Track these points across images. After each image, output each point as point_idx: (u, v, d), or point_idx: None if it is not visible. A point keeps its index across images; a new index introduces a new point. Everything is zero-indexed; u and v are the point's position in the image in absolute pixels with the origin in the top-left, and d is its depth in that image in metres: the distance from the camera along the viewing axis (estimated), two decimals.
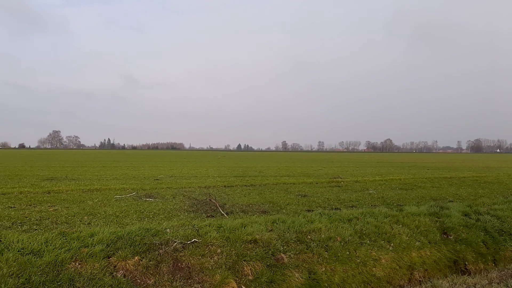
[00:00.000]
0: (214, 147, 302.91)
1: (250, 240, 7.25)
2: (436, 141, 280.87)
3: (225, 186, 16.50)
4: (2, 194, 12.76)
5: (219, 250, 6.87)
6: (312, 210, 10.50)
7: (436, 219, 9.86)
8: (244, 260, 6.75)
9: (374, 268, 7.65)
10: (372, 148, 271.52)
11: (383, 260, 7.90)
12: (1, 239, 6.30)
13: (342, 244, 7.84)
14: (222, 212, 9.87)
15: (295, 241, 7.61)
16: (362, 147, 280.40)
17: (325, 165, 39.86)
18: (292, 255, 7.18)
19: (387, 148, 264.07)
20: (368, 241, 8.21)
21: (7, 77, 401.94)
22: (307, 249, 7.43)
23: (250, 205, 11.32)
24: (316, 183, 18.60)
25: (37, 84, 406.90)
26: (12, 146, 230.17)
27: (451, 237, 9.24)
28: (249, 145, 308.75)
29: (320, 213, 9.39)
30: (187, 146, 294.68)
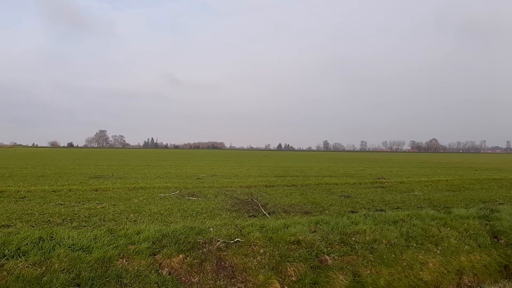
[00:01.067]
0: (255, 146, 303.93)
1: (293, 241, 7.19)
2: (484, 141, 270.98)
3: (266, 186, 16.48)
4: (53, 191, 13.26)
5: (262, 250, 6.85)
6: (356, 212, 10.31)
7: (486, 222, 9.47)
8: (287, 261, 6.71)
9: (421, 272, 7.43)
10: (417, 148, 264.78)
11: (430, 264, 7.65)
12: (53, 235, 6.53)
13: (388, 246, 7.65)
14: (264, 212, 9.85)
15: (339, 242, 7.49)
16: (406, 147, 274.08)
17: (368, 165, 39.18)
18: (336, 257, 7.07)
19: (432, 148, 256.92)
20: (415, 244, 7.97)
21: (58, 78, 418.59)
22: (351, 251, 7.30)
23: (292, 206, 11.25)
24: (360, 183, 18.29)
25: (85, 85, 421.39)
26: (61, 145, 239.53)
27: (502, 241, 8.85)
28: (290, 145, 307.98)
29: (364, 215, 9.21)
30: (227, 145, 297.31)
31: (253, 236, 7.12)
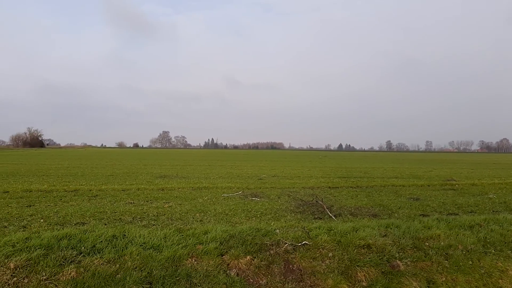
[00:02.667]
0: (314, 146, 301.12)
1: (363, 245, 6.95)
2: None
3: (329, 187, 16.18)
4: (122, 190, 13.76)
5: (330, 254, 6.67)
6: (427, 215, 9.85)
7: None
8: (357, 266, 6.48)
9: (500, 280, 6.92)
10: (487, 148, 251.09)
11: (510, 272, 7.12)
12: (126, 234, 6.72)
13: (464, 253, 7.21)
14: (330, 215, 9.64)
15: (411, 247, 7.14)
16: (475, 147, 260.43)
17: (435, 166, 37.56)
18: (408, 263, 6.75)
19: (503, 148, 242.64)
20: (493, 251, 7.46)
21: (125, 81, 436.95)
22: (424, 257, 6.93)
23: (359, 208, 10.94)
24: (428, 185, 17.51)
25: (150, 87, 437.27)
26: (127, 145, 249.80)
27: None
28: (351, 145, 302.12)
29: (437, 219, 8.77)
30: (286, 145, 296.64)
31: (321, 239, 6.96)
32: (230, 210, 10.10)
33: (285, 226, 7.66)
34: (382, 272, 6.45)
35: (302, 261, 6.41)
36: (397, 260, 6.68)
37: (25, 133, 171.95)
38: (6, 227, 7.73)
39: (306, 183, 17.45)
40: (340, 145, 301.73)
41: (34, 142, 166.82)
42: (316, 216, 9.61)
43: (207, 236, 6.79)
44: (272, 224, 8.07)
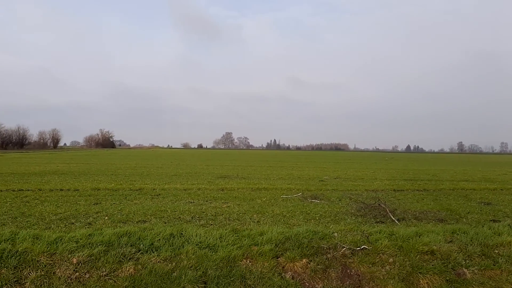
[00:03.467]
0: (381, 148, 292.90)
1: (427, 251, 6.57)
2: None
3: (394, 190, 15.60)
4: (184, 189, 14.05)
5: (391, 260, 6.37)
6: (498, 221, 9.19)
7: None
8: (420, 273, 6.13)
9: None
10: None
11: None
12: (183, 232, 6.80)
13: None
14: (393, 218, 9.24)
15: (479, 255, 6.67)
16: None
17: (510, 169, 35.22)
18: (475, 271, 6.29)
19: None
20: None
21: (192, 84, 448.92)
22: (493, 265, 6.44)
23: (424, 212, 10.41)
24: (501, 189, 16.41)
25: (215, 89, 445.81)
26: (192, 146, 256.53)
27: None
28: (419, 146, 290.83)
29: (509, 225, 8.16)
30: (351, 146, 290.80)
31: (381, 244, 6.67)
32: (288, 211, 9.98)
33: (343, 230, 7.43)
34: (447, 280, 6.06)
35: (360, 266, 6.17)
36: (463, 268, 6.25)
37: (98, 134, 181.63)
38: (73, 223, 8.09)
39: (370, 186, 16.95)
40: (408, 147, 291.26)
41: (105, 143, 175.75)
42: (378, 220, 9.26)
43: (262, 238, 6.72)
44: (330, 227, 7.87)
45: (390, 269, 6.17)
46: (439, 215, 10.03)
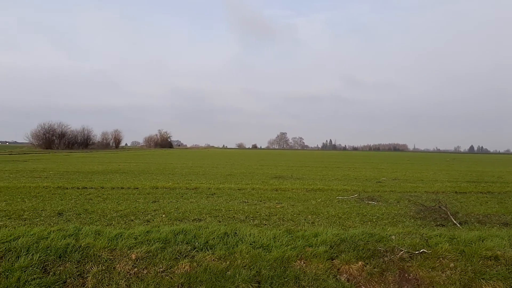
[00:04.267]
0: (442, 148, 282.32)
1: (490, 256, 6.22)
2: None
3: (456, 192, 14.93)
4: (238, 189, 14.17)
5: (451, 264, 6.09)
6: None
7: None
8: (482, 279, 5.81)
9: None
10: None
11: None
12: (237, 232, 6.85)
13: None
14: (454, 222, 8.84)
15: None
16: None
17: None
18: None
19: None
20: None
21: (246, 84, 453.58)
22: None
23: (488, 216, 9.89)
24: None
25: (269, 90, 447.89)
26: (246, 146, 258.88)
27: None
28: (483, 147, 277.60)
29: None
30: (410, 147, 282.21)
31: (441, 248, 6.39)
32: (343, 213, 9.80)
33: (401, 233, 7.20)
34: (511, 287, 5.71)
35: (419, 270, 5.94)
36: None
37: (156, 135, 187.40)
38: (132, 220, 8.36)
39: (430, 188, 16.33)
40: (472, 147, 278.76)
41: (164, 143, 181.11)
42: (438, 223, 8.89)
43: (317, 239, 6.64)
44: (388, 229, 7.64)
45: (451, 274, 5.90)
46: (504, 219, 9.50)
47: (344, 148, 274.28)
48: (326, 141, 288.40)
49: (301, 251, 6.24)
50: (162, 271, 5.72)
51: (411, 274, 5.94)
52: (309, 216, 9.24)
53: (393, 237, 6.86)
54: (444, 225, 8.63)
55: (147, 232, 6.75)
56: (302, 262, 6.04)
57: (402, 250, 6.26)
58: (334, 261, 6.12)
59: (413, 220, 9.14)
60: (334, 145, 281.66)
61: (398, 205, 11.30)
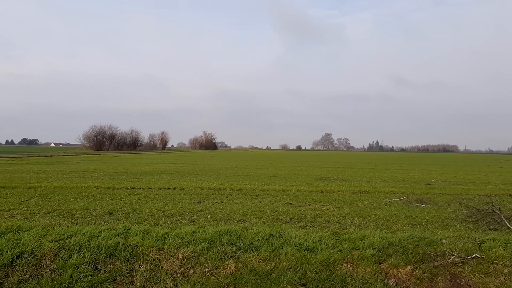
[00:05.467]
0: (494, 149, 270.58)
1: None
2: None
3: (510, 195, 14.27)
4: (282, 191, 14.14)
5: (506, 270, 5.82)
6: None
7: None
8: None
9: None
10: None
11: None
12: (282, 234, 6.83)
13: None
14: (509, 226, 8.43)
15: None
16: None
17: None
18: None
19: None
20: None
21: (290, 85, 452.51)
22: None
23: None
24: None
25: (314, 90, 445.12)
26: (290, 147, 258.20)
27: None
28: None
29: None
30: (461, 148, 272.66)
31: (495, 252, 6.13)
32: (391, 216, 9.56)
33: (452, 236, 6.95)
34: None
35: (471, 275, 5.71)
36: None
37: (201, 136, 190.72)
38: (179, 220, 8.50)
39: (482, 190, 15.67)
40: None
41: (208, 144, 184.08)
42: (491, 227, 8.51)
43: (364, 242, 6.51)
44: (438, 233, 7.41)
45: (505, 280, 5.64)
46: None
47: (391, 149, 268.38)
48: (373, 142, 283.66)
49: (348, 254, 6.14)
50: (208, 271, 5.78)
51: (463, 280, 5.72)
52: (356, 219, 9.08)
53: (443, 241, 6.64)
54: (497, 229, 8.25)
55: (193, 232, 6.84)
56: (349, 265, 5.94)
57: (454, 255, 6.05)
58: (382, 264, 5.99)
59: (464, 224, 8.80)
60: (381, 146, 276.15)
61: (449, 208, 10.91)
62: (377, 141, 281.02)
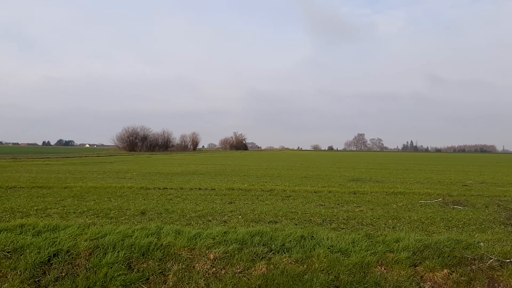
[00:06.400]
0: None
1: None
2: None
3: None
4: (314, 192, 14.01)
5: None
6: None
7: None
8: None
9: None
10: None
11: None
12: (314, 235, 6.76)
13: None
14: None
15: None
16: None
17: None
18: None
19: None
20: None
21: (321, 85, 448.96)
22: None
23: None
24: None
25: (345, 90, 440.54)
26: (322, 148, 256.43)
27: None
28: None
29: None
30: (499, 148, 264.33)
31: None
32: (426, 218, 9.32)
33: (490, 239, 6.73)
34: None
35: (510, 279, 5.50)
36: None
37: (232, 137, 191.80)
38: (210, 221, 8.53)
39: None
40: None
41: (239, 145, 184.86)
42: None
43: (398, 244, 6.37)
44: (475, 236, 7.18)
45: None
46: None
47: (426, 150, 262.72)
48: (407, 142, 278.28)
49: (382, 256, 6.01)
50: (239, 272, 5.77)
51: (501, 284, 5.52)
52: (390, 221, 8.89)
53: (481, 244, 6.43)
54: None
55: (224, 232, 6.85)
56: (383, 268, 5.82)
57: (492, 258, 5.84)
58: (417, 268, 5.84)
59: (503, 227, 8.49)
60: (415, 146, 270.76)
61: (487, 210, 10.56)
62: (411, 141, 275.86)
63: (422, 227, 8.35)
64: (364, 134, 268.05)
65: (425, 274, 5.72)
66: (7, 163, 32.46)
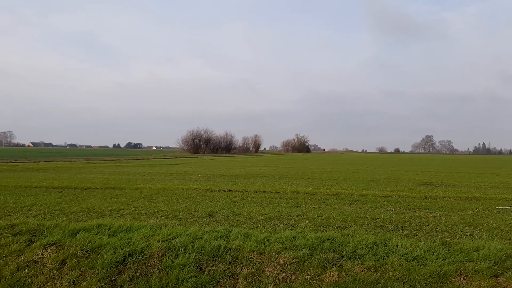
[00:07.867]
0: None
1: None
2: None
3: None
4: (383, 196, 13.57)
5: None
6: None
7: None
8: None
9: None
10: None
11: None
12: (386, 242, 6.51)
13: None
14: None
15: None
16: None
17: None
18: None
19: None
20: None
21: (387, 86, 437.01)
22: None
23: None
24: None
25: (412, 90, 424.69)
26: (388, 150, 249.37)
27: None
28: None
29: None
30: None
31: None
32: (506, 225, 8.72)
33: None
34: None
35: None
36: None
37: (294, 139, 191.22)
38: (277, 225, 8.47)
39: None
40: None
41: (301, 147, 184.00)
42: None
43: (478, 253, 6.01)
44: None
45: None
46: None
47: (500, 152, 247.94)
48: (479, 144, 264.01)
49: (461, 266, 5.68)
50: (310, 278, 5.66)
51: None
52: (466, 228, 8.40)
53: None
54: None
55: (293, 237, 6.77)
56: (462, 278, 5.49)
57: None
58: (498, 278, 5.47)
59: None
60: (488, 148, 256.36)
61: None
62: (484, 144, 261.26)
63: (501, 235, 7.82)
64: (432, 136, 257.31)
65: (507, 285, 5.37)
66: (81, 164, 34.35)
